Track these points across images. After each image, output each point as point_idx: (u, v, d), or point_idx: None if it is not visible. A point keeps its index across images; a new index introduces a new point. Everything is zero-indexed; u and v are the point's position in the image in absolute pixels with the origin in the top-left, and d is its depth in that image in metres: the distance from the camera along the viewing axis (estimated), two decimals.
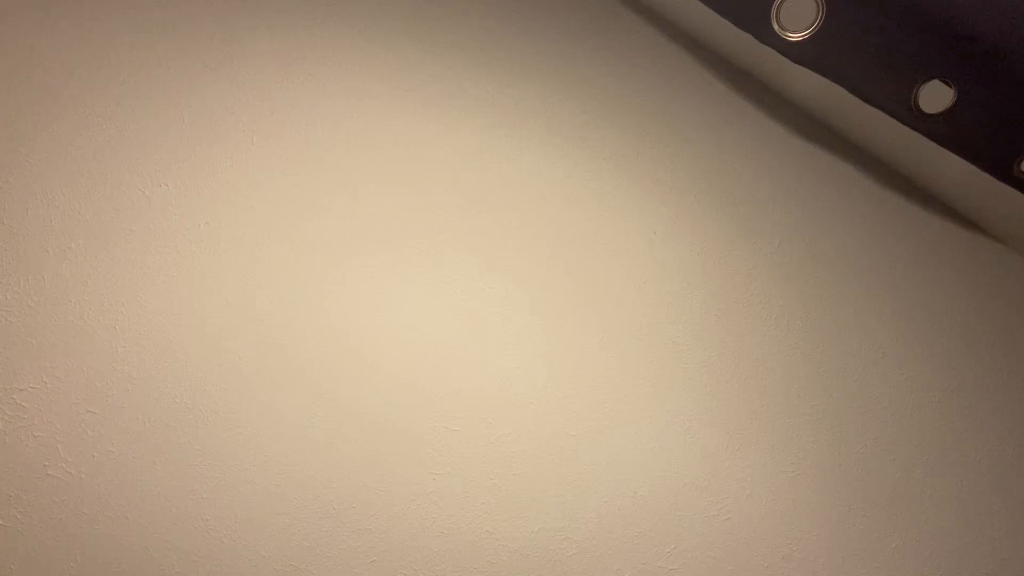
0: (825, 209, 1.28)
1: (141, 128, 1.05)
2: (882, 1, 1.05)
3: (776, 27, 1.11)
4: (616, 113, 1.25)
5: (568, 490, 1.07)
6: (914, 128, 1.13)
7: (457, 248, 1.13)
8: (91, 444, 0.94)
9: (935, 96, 1.09)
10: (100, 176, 1.02)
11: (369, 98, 1.15)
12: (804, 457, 1.16)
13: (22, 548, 0.90)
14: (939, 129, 1.12)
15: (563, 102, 1.23)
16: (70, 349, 0.96)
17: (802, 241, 1.26)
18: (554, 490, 1.07)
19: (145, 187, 1.04)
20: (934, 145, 1.15)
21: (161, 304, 1.00)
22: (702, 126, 1.28)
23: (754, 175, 1.27)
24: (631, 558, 1.07)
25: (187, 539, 0.95)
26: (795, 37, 1.11)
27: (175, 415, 0.97)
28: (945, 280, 1.29)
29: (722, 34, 1.24)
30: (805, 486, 1.15)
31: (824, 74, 1.14)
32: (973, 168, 1.15)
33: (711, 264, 1.22)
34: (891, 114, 1.13)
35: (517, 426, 1.08)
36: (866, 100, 1.14)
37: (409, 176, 1.14)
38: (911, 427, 1.21)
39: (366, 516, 1.00)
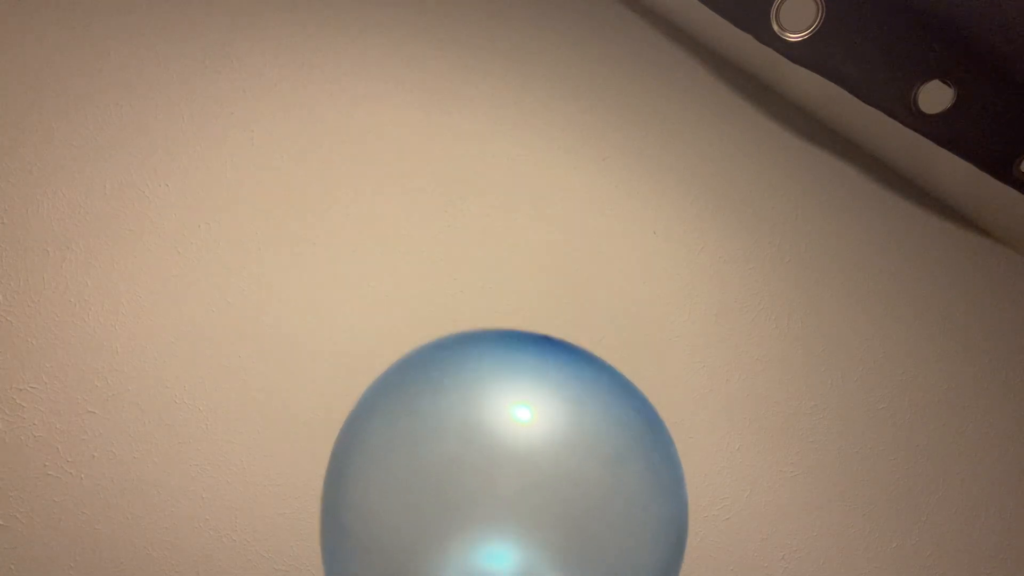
0: (825, 209, 1.28)
1: (141, 128, 1.05)
2: (882, 1, 1.05)
3: (776, 27, 1.11)
4: (616, 113, 1.25)
5: None
6: (914, 128, 1.13)
7: (458, 248, 1.13)
8: (91, 444, 0.94)
9: (935, 96, 1.09)
10: (100, 176, 1.02)
11: (369, 98, 1.15)
12: (804, 457, 1.16)
13: (22, 548, 0.90)
14: (939, 129, 1.12)
15: (563, 102, 1.23)
16: (70, 349, 0.96)
17: (802, 241, 1.26)
18: None
19: (145, 187, 1.04)
20: (934, 145, 1.15)
21: (161, 304, 1.00)
22: (702, 126, 1.28)
23: (754, 175, 1.27)
24: None
25: (187, 539, 0.95)
26: (795, 37, 1.11)
27: (175, 415, 0.97)
28: (945, 280, 1.29)
29: (722, 34, 1.24)
30: (805, 486, 1.15)
31: (824, 74, 1.14)
32: (973, 168, 1.15)
33: (711, 264, 1.22)
34: (891, 114, 1.13)
35: None
36: (866, 100, 1.14)
37: (410, 176, 1.14)
38: (911, 427, 1.21)
39: None
